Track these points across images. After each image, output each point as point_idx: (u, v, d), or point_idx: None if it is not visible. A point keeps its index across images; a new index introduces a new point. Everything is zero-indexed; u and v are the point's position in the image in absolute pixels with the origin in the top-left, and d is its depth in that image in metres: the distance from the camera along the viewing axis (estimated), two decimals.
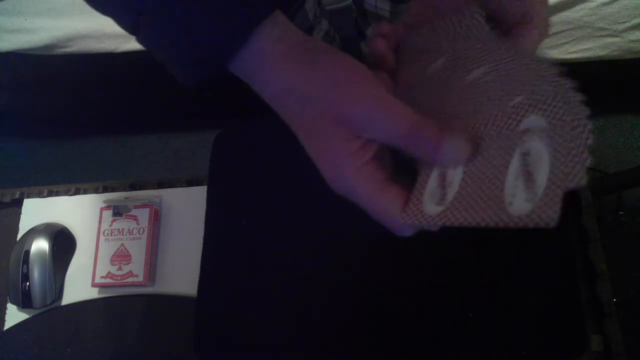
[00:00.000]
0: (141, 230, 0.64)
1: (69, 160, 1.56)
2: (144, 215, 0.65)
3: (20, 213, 0.70)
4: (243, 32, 0.28)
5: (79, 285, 0.65)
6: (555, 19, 0.99)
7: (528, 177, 0.24)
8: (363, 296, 0.54)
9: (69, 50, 1.14)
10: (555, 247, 0.52)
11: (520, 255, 0.53)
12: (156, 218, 0.66)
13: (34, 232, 0.65)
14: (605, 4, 0.97)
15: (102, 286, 0.63)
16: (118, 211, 0.66)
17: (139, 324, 0.61)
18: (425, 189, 0.28)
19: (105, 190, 0.70)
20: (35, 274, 0.63)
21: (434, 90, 0.31)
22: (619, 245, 1.11)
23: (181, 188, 0.68)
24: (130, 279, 0.62)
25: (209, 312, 0.56)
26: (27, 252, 0.63)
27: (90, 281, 0.63)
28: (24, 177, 1.52)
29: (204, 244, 0.59)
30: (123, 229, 0.65)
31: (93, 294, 0.64)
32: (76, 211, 0.69)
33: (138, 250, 0.63)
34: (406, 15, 0.37)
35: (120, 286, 0.63)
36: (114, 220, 0.65)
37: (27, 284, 0.63)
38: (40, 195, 0.71)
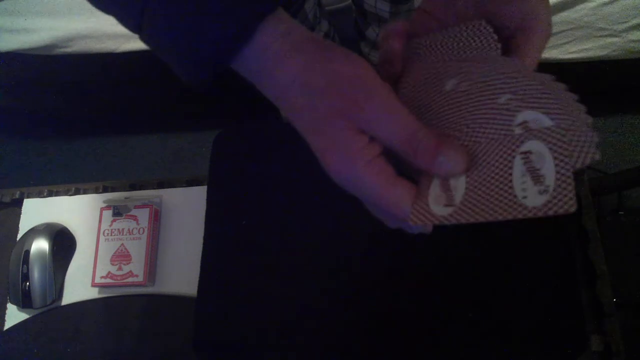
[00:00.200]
0: (141, 230, 0.64)
1: (69, 160, 1.56)
2: (144, 215, 0.65)
3: (20, 213, 0.70)
4: (247, 28, 0.28)
5: (79, 285, 0.65)
6: (555, 19, 1.00)
7: (535, 173, 0.25)
8: (363, 296, 0.54)
9: (69, 50, 1.14)
10: (555, 247, 0.52)
11: (520, 255, 0.53)
12: (156, 218, 0.66)
13: (34, 232, 0.65)
14: (605, 4, 0.97)
15: (102, 286, 0.63)
16: (118, 211, 0.66)
17: (139, 324, 0.61)
18: (429, 194, 0.28)
19: (105, 190, 0.70)
20: (35, 274, 0.63)
21: (435, 105, 0.31)
22: (619, 245, 1.11)
23: (181, 188, 0.68)
24: (130, 279, 0.62)
25: (209, 312, 0.56)
26: (27, 252, 0.63)
27: (90, 281, 0.63)
28: (24, 177, 1.52)
29: (204, 244, 0.59)
30: (123, 229, 0.65)
31: (93, 294, 0.64)
32: (76, 211, 0.69)
33: (138, 250, 0.63)
34: (410, 23, 0.37)
35: (120, 286, 0.63)
36: (114, 220, 0.65)
37: (27, 284, 0.63)
38: (40, 195, 0.71)
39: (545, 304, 0.50)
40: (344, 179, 0.28)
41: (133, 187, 0.69)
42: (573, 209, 0.24)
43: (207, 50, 0.28)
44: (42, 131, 1.58)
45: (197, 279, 0.57)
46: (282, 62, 0.29)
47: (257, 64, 0.29)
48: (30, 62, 1.19)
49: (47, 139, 1.58)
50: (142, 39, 0.30)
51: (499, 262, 0.53)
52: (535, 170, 0.25)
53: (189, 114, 1.50)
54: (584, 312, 0.50)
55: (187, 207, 0.66)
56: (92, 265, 0.64)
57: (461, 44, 0.33)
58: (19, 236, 0.68)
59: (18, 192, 0.71)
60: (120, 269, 0.63)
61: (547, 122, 0.26)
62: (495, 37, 0.31)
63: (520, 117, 0.27)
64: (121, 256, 0.63)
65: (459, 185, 0.27)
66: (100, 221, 0.66)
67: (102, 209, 0.66)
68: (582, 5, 0.98)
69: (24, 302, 0.63)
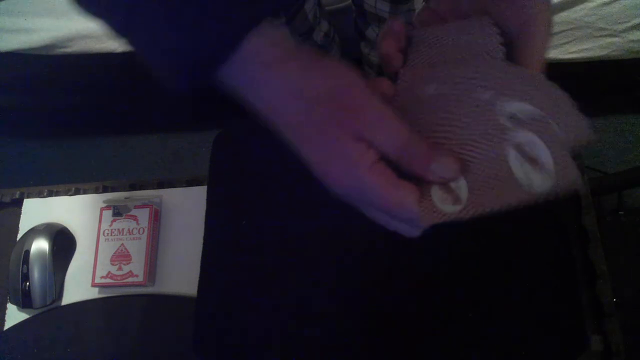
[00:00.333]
0: (141, 230, 0.64)
1: (69, 160, 1.56)
2: (144, 215, 0.65)
3: (20, 213, 0.70)
4: (236, 36, 0.28)
5: (79, 285, 0.65)
6: (555, 19, 1.00)
7: (533, 161, 0.26)
8: (363, 296, 0.54)
9: (69, 50, 1.14)
10: (555, 247, 0.52)
11: (520, 255, 0.53)
12: (156, 218, 0.66)
13: (34, 232, 0.65)
14: (605, 4, 0.97)
15: (102, 286, 0.63)
16: (118, 211, 0.66)
17: (139, 324, 0.61)
18: (432, 196, 0.28)
19: (105, 190, 0.70)
20: (35, 274, 0.63)
21: (426, 109, 0.31)
22: (619, 245, 1.11)
23: (181, 188, 0.68)
24: (130, 279, 0.62)
25: (209, 312, 0.56)
26: (27, 252, 0.63)
27: (90, 281, 0.63)
28: (24, 177, 1.52)
29: (204, 244, 0.59)
30: (123, 229, 0.65)
31: (93, 294, 0.64)
32: (76, 211, 0.69)
33: (138, 250, 0.63)
34: (415, 19, 0.37)
35: (120, 286, 0.63)
36: (114, 220, 0.65)
37: (27, 284, 0.63)
38: (40, 195, 0.71)
39: (545, 304, 0.50)
40: (346, 187, 0.28)
41: (133, 187, 0.69)
42: (578, 184, 0.26)
43: (193, 58, 0.28)
44: (42, 131, 1.58)
45: (197, 279, 0.57)
46: (274, 71, 0.28)
47: (246, 73, 0.29)
48: (30, 62, 1.19)
49: (47, 139, 1.58)
50: (127, 41, 0.30)
51: (499, 262, 0.53)
52: (533, 158, 0.26)
53: (188, 114, 1.50)
54: (584, 312, 0.50)
55: (187, 207, 0.66)
56: (92, 265, 0.64)
57: (463, 40, 0.33)
58: (19, 236, 0.68)
59: (18, 192, 0.71)
60: (120, 269, 0.63)
61: (533, 110, 0.27)
62: (501, 39, 0.32)
63: (507, 108, 0.27)
64: (121, 256, 0.63)
65: (461, 185, 0.28)
66: (100, 221, 0.66)
67: (102, 209, 0.66)
68: (582, 5, 0.98)
69: (24, 302, 0.63)
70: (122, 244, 0.64)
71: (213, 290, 0.57)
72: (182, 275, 0.63)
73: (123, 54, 1.13)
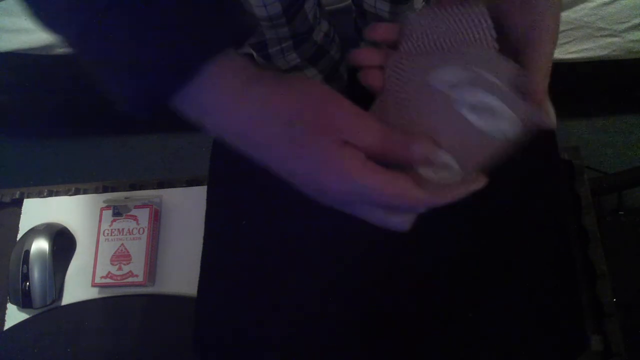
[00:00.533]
0: (141, 230, 0.64)
1: (69, 160, 1.56)
2: (144, 215, 0.65)
3: (20, 213, 0.70)
4: (199, 58, 0.27)
5: (79, 285, 0.65)
6: None
7: (490, 112, 0.29)
8: (363, 296, 0.54)
9: (69, 50, 1.14)
10: (555, 247, 0.52)
11: (520, 255, 0.53)
12: (156, 218, 0.66)
13: (34, 232, 0.65)
14: (605, 4, 0.97)
15: (102, 286, 0.63)
16: (118, 211, 0.66)
17: (139, 324, 0.61)
18: (422, 175, 0.30)
19: (105, 190, 0.70)
20: (35, 274, 0.63)
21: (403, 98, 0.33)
22: (619, 245, 1.11)
23: (181, 188, 0.68)
24: (130, 279, 0.62)
25: (209, 312, 0.56)
26: (27, 252, 0.63)
27: (90, 281, 0.63)
28: (24, 177, 1.51)
29: (204, 244, 0.59)
30: (123, 229, 0.65)
31: (93, 294, 0.64)
32: (76, 211, 0.69)
33: (138, 250, 0.63)
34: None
35: (120, 286, 0.63)
36: (114, 220, 0.65)
37: (27, 284, 0.63)
38: (40, 195, 0.71)
39: (545, 304, 0.50)
40: (342, 192, 0.28)
41: (133, 187, 0.69)
42: (552, 123, 0.29)
43: (148, 82, 0.27)
44: (42, 131, 1.58)
45: (197, 279, 0.57)
46: (241, 95, 0.28)
47: (208, 99, 0.28)
48: (30, 62, 1.19)
49: (47, 139, 1.58)
50: (81, 57, 0.29)
51: (499, 262, 0.53)
52: (488, 109, 0.29)
53: None
54: (584, 312, 0.50)
55: (187, 207, 0.66)
56: (92, 265, 0.64)
57: (452, 29, 0.33)
58: (19, 236, 0.68)
59: (18, 192, 0.71)
60: (120, 269, 0.63)
61: (473, 75, 0.30)
62: (494, 34, 0.31)
63: (446, 77, 0.31)
64: (121, 256, 0.63)
65: (441, 155, 0.30)
66: (100, 221, 0.66)
67: (102, 209, 0.66)
68: (582, 5, 0.98)
69: (24, 302, 0.63)
70: (122, 244, 0.64)
71: (213, 290, 0.57)
72: (182, 275, 0.63)
73: None
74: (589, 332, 0.51)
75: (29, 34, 1.12)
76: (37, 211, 0.70)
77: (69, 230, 0.67)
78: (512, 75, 0.30)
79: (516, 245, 0.53)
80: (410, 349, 0.51)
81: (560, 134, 0.56)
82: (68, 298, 0.64)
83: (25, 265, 0.63)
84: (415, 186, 0.29)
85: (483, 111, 0.29)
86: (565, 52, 1.05)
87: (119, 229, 0.65)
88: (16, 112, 1.50)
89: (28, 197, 0.71)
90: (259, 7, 0.84)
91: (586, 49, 1.05)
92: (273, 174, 0.31)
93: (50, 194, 0.71)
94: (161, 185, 0.69)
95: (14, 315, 0.64)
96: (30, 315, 0.64)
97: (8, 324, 0.64)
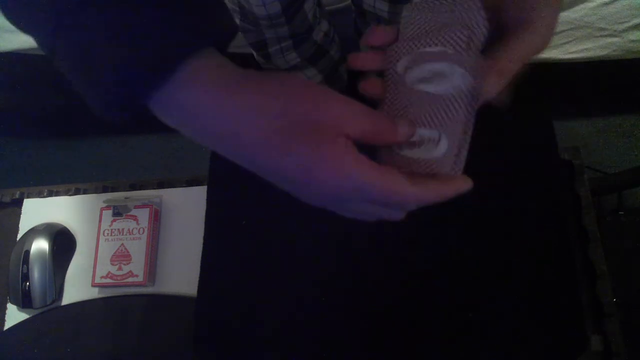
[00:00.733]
0: (141, 230, 0.64)
1: (69, 160, 1.56)
2: (144, 215, 0.65)
3: (20, 213, 0.70)
4: (176, 55, 0.26)
5: (79, 285, 0.65)
6: None
7: (442, 75, 0.32)
8: (363, 296, 0.54)
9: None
10: (555, 247, 0.52)
11: (520, 255, 0.53)
12: (156, 218, 0.66)
13: (34, 232, 0.65)
14: (605, 4, 0.97)
15: (102, 286, 0.63)
16: (118, 211, 0.66)
17: (138, 324, 0.61)
18: (412, 156, 0.32)
19: (105, 190, 0.70)
20: (35, 274, 0.63)
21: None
22: (619, 245, 1.11)
23: (181, 188, 0.68)
24: (130, 279, 0.62)
25: (209, 312, 0.56)
26: (27, 252, 0.63)
27: (90, 281, 0.63)
28: (24, 177, 1.52)
29: (204, 244, 0.59)
30: (123, 229, 0.65)
31: (93, 294, 0.64)
32: (76, 211, 0.69)
33: (138, 250, 0.63)
34: None
35: (120, 286, 0.63)
36: (114, 220, 0.65)
37: (27, 284, 0.63)
38: (40, 195, 0.71)
39: (545, 304, 0.50)
40: (336, 187, 0.28)
41: (133, 187, 0.69)
42: (486, 94, 0.31)
43: (124, 79, 0.26)
44: (42, 131, 1.58)
45: (197, 279, 0.57)
46: (226, 93, 0.27)
47: (195, 97, 0.27)
48: (30, 62, 1.19)
49: (47, 139, 1.58)
50: (55, 62, 0.28)
51: (499, 262, 0.53)
52: (437, 74, 0.32)
53: None
54: (584, 312, 0.50)
55: (187, 207, 0.66)
56: (92, 265, 0.64)
57: (445, 19, 0.34)
58: (19, 236, 0.68)
59: (18, 192, 0.71)
60: (120, 269, 0.63)
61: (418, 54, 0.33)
62: (483, 15, 0.32)
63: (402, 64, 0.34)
64: (121, 256, 0.63)
65: (421, 133, 0.32)
66: (100, 221, 0.66)
67: (102, 209, 0.66)
68: (582, 5, 0.98)
69: (24, 302, 0.63)
70: (122, 244, 0.64)
71: (213, 290, 0.57)
72: (182, 275, 0.63)
73: None
74: (589, 332, 0.51)
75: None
76: (37, 211, 0.70)
77: (69, 230, 0.67)
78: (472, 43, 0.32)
79: (516, 245, 0.53)
80: (410, 349, 0.51)
81: (560, 134, 0.56)
82: (68, 298, 0.64)
83: (25, 265, 0.63)
84: (407, 181, 0.29)
85: (434, 78, 0.32)
86: (565, 52, 1.05)
87: (119, 229, 0.65)
88: (16, 112, 1.50)
89: (28, 197, 0.71)
90: (258, 7, 0.84)
91: (586, 49, 1.05)
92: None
93: (50, 194, 0.71)
94: (161, 185, 0.69)
95: (14, 315, 0.64)
96: (30, 315, 0.64)
97: (8, 324, 0.64)
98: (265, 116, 0.27)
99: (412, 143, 0.32)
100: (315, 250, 0.56)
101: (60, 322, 0.62)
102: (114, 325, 0.62)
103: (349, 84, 1.22)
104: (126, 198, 0.68)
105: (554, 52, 1.06)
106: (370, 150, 0.30)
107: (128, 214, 0.65)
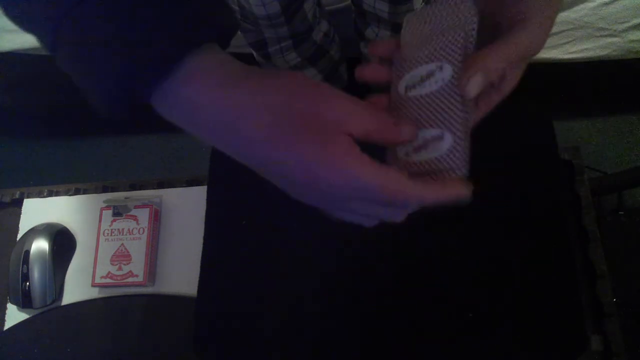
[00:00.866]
0: (141, 230, 0.64)
1: (69, 160, 1.56)
2: (144, 215, 0.65)
3: (20, 213, 0.70)
4: (178, 51, 0.26)
5: (79, 285, 0.65)
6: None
7: (431, 75, 0.32)
8: (363, 295, 0.54)
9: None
10: (555, 247, 0.52)
11: (520, 255, 0.53)
12: (156, 218, 0.66)
13: (34, 232, 0.65)
14: (605, 4, 0.97)
15: (102, 286, 0.63)
16: (118, 211, 0.66)
17: (138, 324, 0.61)
18: (414, 158, 0.32)
19: (105, 190, 0.70)
20: (35, 274, 0.63)
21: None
22: (619, 245, 1.11)
23: (181, 188, 0.68)
24: (130, 279, 0.62)
25: (209, 312, 0.56)
26: (27, 252, 0.63)
27: (90, 281, 0.63)
28: (24, 177, 1.52)
29: (204, 244, 0.59)
30: (123, 229, 0.65)
31: (93, 294, 0.64)
32: (76, 211, 0.69)
33: (138, 250, 0.63)
34: None
35: (120, 286, 0.63)
36: (114, 220, 0.65)
37: (27, 284, 0.63)
38: (40, 195, 0.71)
39: (545, 304, 0.50)
40: (339, 185, 0.27)
41: (133, 187, 0.69)
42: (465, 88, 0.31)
43: (127, 74, 0.26)
44: (42, 131, 1.58)
45: (197, 279, 0.57)
46: (230, 86, 0.27)
47: (196, 95, 0.27)
48: (30, 62, 1.19)
49: (47, 139, 1.58)
50: (58, 61, 0.28)
51: (499, 262, 0.53)
52: (429, 74, 0.32)
53: None
54: (584, 312, 0.50)
55: (187, 207, 0.66)
56: (92, 265, 0.64)
57: (441, 22, 0.34)
58: (19, 236, 0.68)
59: (18, 192, 0.71)
60: (120, 269, 0.63)
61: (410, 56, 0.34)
62: (474, 9, 0.32)
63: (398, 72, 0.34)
64: (121, 256, 0.63)
65: (420, 132, 0.32)
66: (100, 221, 0.66)
67: (102, 209, 0.66)
68: (582, 5, 0.98)
69: (24, 302, 0.63)
70: (122, 244, 0.64)
71: (213, 290, 0.57)
72: (182, 275, 0.63)
73: None
74: (589, 332, 0.51)
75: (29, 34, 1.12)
76: (37, 211, 0.70)
77: (69, 230, 0.67)
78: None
79: (516, 245, 0.53)
80: (410, 349, 0.51)
81: (560, 134, 0.56)
82: (68, 298, 0.64)
83: (25, 265, 0.63)
84: (409, 180, 0.29)
85: (425, 80, 0.33)
86: (565, 52, 1.05)
87: (119, 229, 0.65)
88: (16, 112, 1.50)
89: (28, 197, 0.71)
90: (257, 6, 0.84)
91: (586, 49, 1.05)
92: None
93: (50, 194, 0.71)
94: (161, 185, 0.69)
95: (14, 315, 0.64)
96: (30, 315, 0.64)
97: (8, 324, 0.64)
98: (266, 112, 0.27)
99: (417, 147, 0.32)
100: (315, 250, 0.56)
101: (60, 322, 0.62)
102: (114, 325, 0.62)
103: (349, 84, 1.22)
104: (126, 198, 0.68)
105: (554, 52, 1.06)
106: (378, 156, 0.30)
107: (128, 214, 0.65)
